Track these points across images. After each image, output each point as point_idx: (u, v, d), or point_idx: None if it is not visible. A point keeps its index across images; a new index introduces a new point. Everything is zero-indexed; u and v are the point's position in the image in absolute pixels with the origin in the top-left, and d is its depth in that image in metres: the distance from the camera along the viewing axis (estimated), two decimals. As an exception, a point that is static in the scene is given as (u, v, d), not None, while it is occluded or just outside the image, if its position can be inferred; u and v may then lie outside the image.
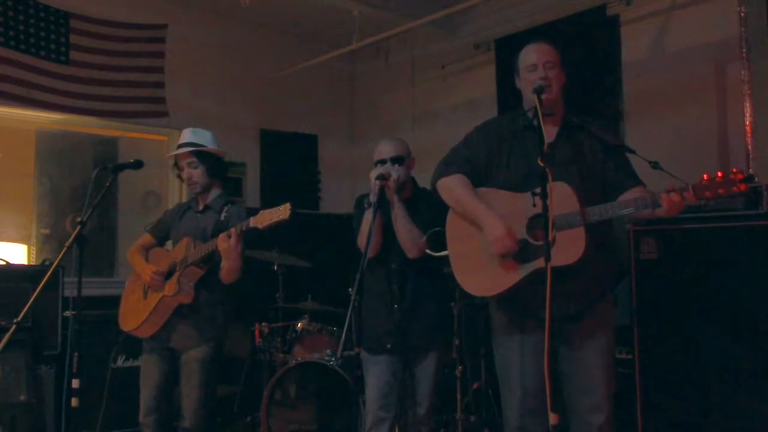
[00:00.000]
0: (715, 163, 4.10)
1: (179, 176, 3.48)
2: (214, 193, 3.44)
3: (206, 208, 3.42)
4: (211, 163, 3.41)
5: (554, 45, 2.67)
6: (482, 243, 2.59)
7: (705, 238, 3.31)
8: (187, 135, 3.43)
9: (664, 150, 3.87)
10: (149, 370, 3.33)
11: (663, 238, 3.42)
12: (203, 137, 3.44)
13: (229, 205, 3.41)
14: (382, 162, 3.16)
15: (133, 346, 3.88)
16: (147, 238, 3.56)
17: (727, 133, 4.10)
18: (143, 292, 3.38)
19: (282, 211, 2.90)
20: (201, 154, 3.38)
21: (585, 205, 2.41)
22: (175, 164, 3.47)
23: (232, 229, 3.06)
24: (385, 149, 3.19)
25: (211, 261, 3.24)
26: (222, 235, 3.05)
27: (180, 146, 3.40)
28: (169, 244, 3.57)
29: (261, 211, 3.00)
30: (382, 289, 3.16)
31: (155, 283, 3.29)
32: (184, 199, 4.57)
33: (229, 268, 3.16)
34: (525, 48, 2.69)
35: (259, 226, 2.97)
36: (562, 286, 2.10)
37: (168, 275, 3.28)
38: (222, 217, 3.34)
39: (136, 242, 3.57)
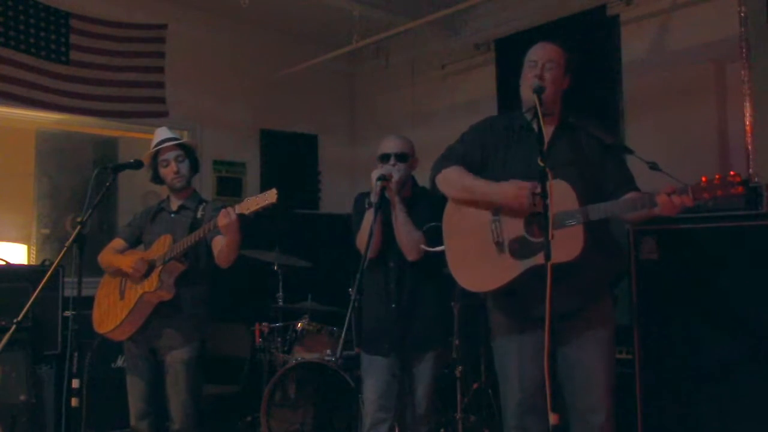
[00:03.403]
0: (715, 163, 4.10)
1: (155, 174, 3.41)
2: (190, 192, 3.44)
3: (182, 208, 3.39)
4: (194, 159, 3.43)
5: (564, 49, 2.67)
6: (479, 238, 2.60)
7: (705, 238, 3.31)
8: (166, 132, 3.42)
9: (664, 150, 3.88)
10: (135, 379, 3.29)
11: (663, 238, 3.42)
12: (179, 136, 3.47)
13: (205, 204, 3.41)
14: (386, 156, 3.15)
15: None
16: (118, 241, 3.49)
17: (727, 133, 4.10)
18: (119, 294, 3.31)
19: (269, 196, 2.87)
20: (186, 148, 3.39)
21: (584, 204, 2.41)
22: (152, 163, 3.40)
23: (229, 208, 3.02)
24: (390, 144, 3.17)
25: (192, 255, 3.23)
26: (223, 211, 3.01)
27: (163, 141, 3.36)
28: (139, 248, 3.49)
29: (246, 198, 2.98)
30: (380, 288, 3.16)
31: (139, 270, 3.20)
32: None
33: (230, 243, 3.10)
34: (534, 44, 2.69)
35: (245, 212, 2.94)
36: (559, 284, 2.11)
37: (146, 273, 3.22)
38: (199, 215, 3.33)
39: (106, 246, 3.49)
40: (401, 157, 3.13)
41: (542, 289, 2.06)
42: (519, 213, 2.53)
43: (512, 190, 2.50)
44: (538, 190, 2.22)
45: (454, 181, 2.71)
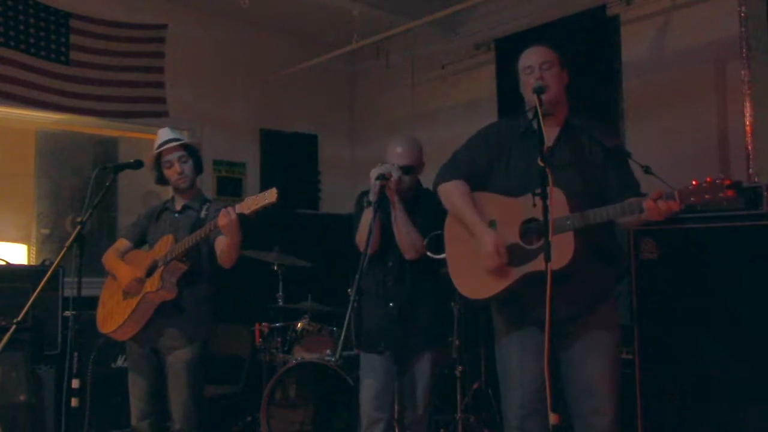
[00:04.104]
0: (715, 163, 4.09)
1: (159, 176, 3.41)
2: (194, 192, 3.44)
3: (186, 207, 3.39)
4: (197, 159, 3.42)
5: (552, 47, 2.66)
6: (477, 246, 2.60)
7: (705, 238, 3.30)
8: (168, 133, 3.41)
9: (664, 150, 3.90)
10: (137, 378, 3.30)
11: (663, 238, 3.41)
12: (182, 135, 3.47)
13: (209, 203, 3.41)
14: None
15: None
16: (122, 242, 3.50)
17: (727, 133, 4.10)
18: (123, 294, 3.31)
19: (268, 195, 2.86)
20: (189, 149, 3.39)
21: (585, 208, 2.40)
22: (156, 164, 3.40)
23: (229, 207, 3.02)
24: (397, 155, 3.13)
25: (194, 255, 3.24)
26: (223, 211, 3.01)
27: (166, 142, 3.35)
28: (144, 248, 3.49)
29: (245, 198, 2.98)
30: (378, 287, 3.16)
31: (133, 288, 3.23)
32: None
33: (230, 243, 3.10)
34: (522, 53, 2.68)
35: (246, 212, 2.93)
36: (559, 289, 2.10)
37: (149, 273, 3.22)
38: (202, 215, 3.33)
39: (111, 247, 3.50)
40: (406, 171, 3.11)
41: (543, 293, 2.06)
42: (515, 221, 2.53)
43: (489, 250, 2.51)
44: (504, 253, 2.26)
45: (448, 197, 2.74)
